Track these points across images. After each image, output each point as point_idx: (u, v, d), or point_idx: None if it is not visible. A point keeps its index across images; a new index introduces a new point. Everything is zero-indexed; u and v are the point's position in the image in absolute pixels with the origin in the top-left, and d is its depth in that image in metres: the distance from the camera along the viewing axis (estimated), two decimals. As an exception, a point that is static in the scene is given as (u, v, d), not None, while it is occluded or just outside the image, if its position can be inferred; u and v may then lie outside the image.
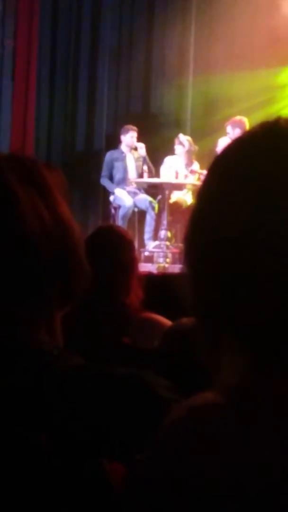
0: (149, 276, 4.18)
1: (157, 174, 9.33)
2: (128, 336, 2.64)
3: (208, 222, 0.85)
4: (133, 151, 9.56)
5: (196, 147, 9.36)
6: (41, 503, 1.09)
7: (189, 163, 9.25)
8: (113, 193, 9.43)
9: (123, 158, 9.52)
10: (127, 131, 9.56)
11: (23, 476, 1.09)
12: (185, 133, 9.69)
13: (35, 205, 1.21)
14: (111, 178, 9.58)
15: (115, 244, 2.77)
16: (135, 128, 9.57)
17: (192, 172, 9.18)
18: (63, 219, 1.24)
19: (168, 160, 9.35)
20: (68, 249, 1.24)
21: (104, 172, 9.64)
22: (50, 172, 1.28)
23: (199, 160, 9.33)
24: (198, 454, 0.81)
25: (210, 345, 0.86)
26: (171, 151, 9.40)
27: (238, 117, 9.10)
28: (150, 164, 9.40)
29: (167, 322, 2.82)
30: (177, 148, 9.33)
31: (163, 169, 9.34)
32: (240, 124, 8.97)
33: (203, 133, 10.02)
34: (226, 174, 0.86)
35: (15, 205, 1.19)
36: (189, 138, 9.41)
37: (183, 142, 9.31)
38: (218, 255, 0.83)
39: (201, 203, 0.88)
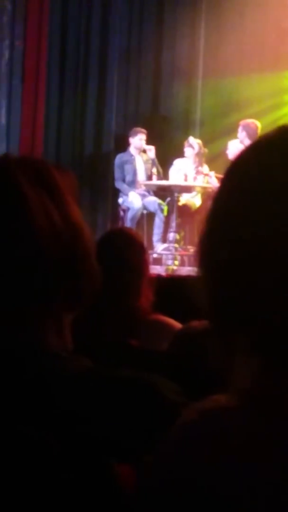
0: (158, 278, 4.18)
1: (165, 177, 9.33)
2: (137, 338, 2.64)
3: (225, 226, 0.85)
4: (142, 153, 9.57)
5: (206, 150, 9.37)
6: (49, 504, 1.09)
7: (198, 166, 9.26)
8: (127, 196, 9.43)
9: (132, 161, 9.53)
10: (135, 134, 9.57)
11: (31, 477, 1.09)
12: (194, 136, 9.69)
13: (45, 206, 1.21)
14: (124, 180, 9.59)
15: (126, 247, 2.77)
16: (144, 130, 9.57)
17: (198, 173, 9.18)
18: (73, 221, 1.24)
19: (177, 163, 9.35)
20: (77, 251, 1.23)
21: (118, 175, 9.64)
22: (61, 174, 1.28)
23: (209, 162, 9.33)
24: (210, 457, 0.81)
25: (223, 347, 0.86)
26: (180, 154, 9.40)
27: (250, 120, 9.09)
28: (159, 167, 9.41)
29: (176, 324, 2.82)
30: (187, 150, 9.33)
31: (172, 171, 9.34)
32: (247, 127, 8.97)
33: (212, 135, 10.02)
34: (244, 178, 0.86)
35: (24, 206, 1.19)
36: (199, 141, 9.41)
37: (193, 144, 9.32)
38: (234, 257, 0.83)
39: (218, 206, 0.88)
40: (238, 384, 0.84)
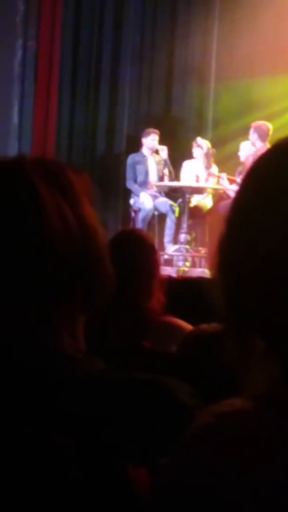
0: (169, 279, 4.18)
1: (177, 178, 9.34)
2: (148, 339, 2.64)
3: (247, 229, 0.85)
4: (154, 154, 9.57)
5: (214, 150, 9.37)
6: (62, 507, 1.09)
7: (208, 166, 9.27)
8: (138, 197, 9.44)
9: (144, 161, 9.53)
10: (148, 134, 9.57)
11: (44, 479, 1.09)
12: (206, 137, 9.70)
13: (59, 207, 1.21)
14: (135, 181, 9.60)
15: (136, 248, 2.77)
16: (156, 131, 9.57)
17: (210, 175, 9.18)
18: (88, 223, 1.24)
19: (186, 165, 9.37)
20: (91, 253, 1.23)
21: (129, 175, 9.65)
22: (77, 176, 1.28)
23: (221, 164, 9.33)
24: (227, 461, 0.81)
25: (240, 350, 0.86)
26: (190, 155, 9.41)
27: (261, 122, 9.09)
28: (171, 168, 9.41)
29: (187, 326, 2.81)
30: (196, 150, 9.34)
31: (183, 173, 9.36)
32: (259, 129, 8.97)
33: (225, 137, 10.02)
34: (264, 181, 0.86)
35: (39, 206, 1.19)
36: (207, 141, 9.42)
37: (201, 144, 9.34)
38: (252, 261, 0.83)
39: (238, 209, 0.88)
40: (254, 387, 0.84)
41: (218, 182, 9.18)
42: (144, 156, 9.56)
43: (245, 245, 0.85)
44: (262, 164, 0.89)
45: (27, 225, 1.19)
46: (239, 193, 0.89)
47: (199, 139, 9.42)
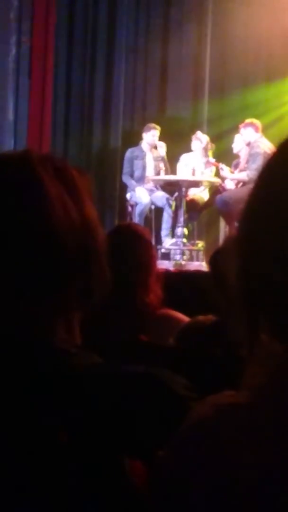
0: (166, 273, 4.20)
1: (172, 173, 9.33)
2: (146, 333, 2.65)
3: (268, 218, 0.85)
4: (153, 149, 9.56)
5: (214, 146, 9.38)
6: (61, 501, 1.10)
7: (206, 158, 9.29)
8: (134, 191, 9.43)
9: (143, 157, 9.51)
10: (149, 130, 9.55)
11: (42, 474, 1.10)
12: (202, 131, 9.72)
13: (64, 202, 1.22)
14: (132, 175, 9.58)
15: (133, 243, 2.77)
16: (157, 127, 9.54)
17: (208, 163, 9.17)
18: (89, 220, 1.25)
19: (184, 158, 9.37)
20: (91, 251, 1.24)
21: (126, 169, 9.62)
22: (80, 175, 1.29)
23: (217, 159, 9.34)
24: (226, 452, 0.81)
25: (248, 339, 0.86)
26: (186, 150, 9.41)
27: (249, 120, 9.09)
28: (167, 164, 9.41)
29: (184, 318, 2.83)
30: (194, 143, 9.34)
31: (179, 166, 9.35)
32: (251, 124, 8.96)
33: (219, 133, 10.04)
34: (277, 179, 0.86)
35: (45, 200, 1.20)
36: (206, 136, 9.43)
37: (201, 138, 9.34)
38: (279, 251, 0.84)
39: (259, 200, 0.88)
40: (252, 380, 0.85)
41: (216, 172, 9.17)
42: (143, 151, 9.54)
43: (265, 237, 0.85)
44: (275, 164, 0.89)
45: (31, 216, 1.20)
46: (261, 182, 0.89)
47: (199, 133, 9.44)
